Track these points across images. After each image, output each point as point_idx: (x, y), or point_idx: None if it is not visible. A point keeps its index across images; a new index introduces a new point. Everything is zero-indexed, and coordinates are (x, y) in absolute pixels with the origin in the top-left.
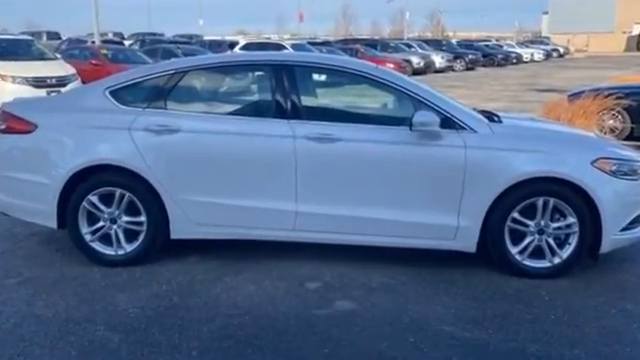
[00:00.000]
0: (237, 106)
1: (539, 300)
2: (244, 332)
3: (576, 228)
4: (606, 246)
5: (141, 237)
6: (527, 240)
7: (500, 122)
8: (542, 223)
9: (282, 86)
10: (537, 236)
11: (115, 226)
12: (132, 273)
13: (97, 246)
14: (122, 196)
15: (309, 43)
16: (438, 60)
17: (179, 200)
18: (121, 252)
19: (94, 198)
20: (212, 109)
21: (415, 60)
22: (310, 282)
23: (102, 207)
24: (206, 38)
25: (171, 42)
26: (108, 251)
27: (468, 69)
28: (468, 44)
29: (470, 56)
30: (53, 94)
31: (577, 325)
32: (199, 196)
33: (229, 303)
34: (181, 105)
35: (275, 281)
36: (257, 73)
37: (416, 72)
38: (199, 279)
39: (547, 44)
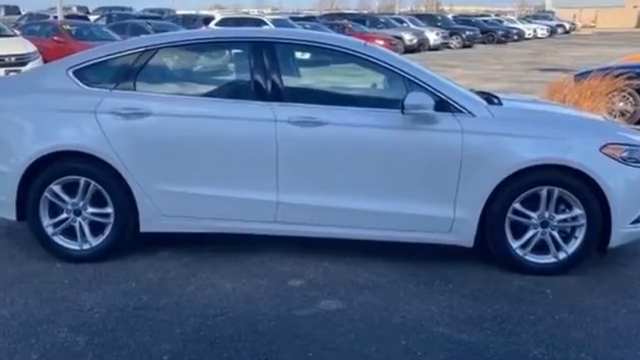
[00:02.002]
0: (213, 87)
1: (543, 299)
2: (220, 334)
3: (583, 220)
4: (616, 240)
5: (108, 230)
6: (530, 233)
7: (500, 104)
8: (546, 215)
9: (262, 65)
10: (541, 229)
11: (79, 218)
12: (98, 270)
13: (60, 240)
14: (87, 185)
15: (291, 18)
16: (432, 37)
17: (149, 190)
18: (86, 247)
19: (56, 188)
20: (185, 90)
21: (407, 37)
22: (292, 280)
23: (65, 197)
24: (179, 13)
25: (140, 17)
26: (72, 245)
27: (465, 47)
28: (465, 19)
29: (467, 32)
30: (12, 74)
31: (584, 327)
32: (171, 186)
33: (204, 303)
34: (151, 86)
35: (254, 279)
36: (234, 51)
37: (408, 50)
38: (171, 276)
39: (551, 19)
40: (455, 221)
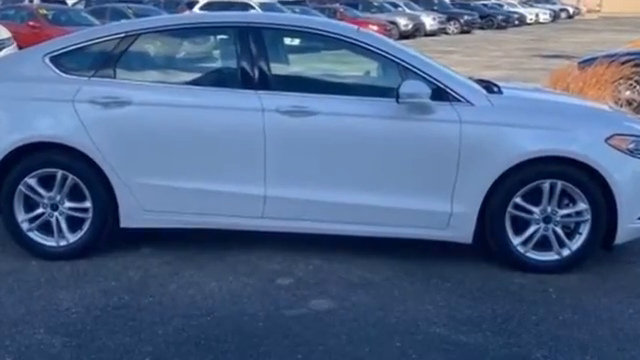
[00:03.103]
0: (197, 75)
1: (545, 298)
2: (205, 335)
3: (588, 215)
4: (622, 236)
5: (86, 226)
6: (531, 229)
7: (500, 93)
8: (549, 210)
9: (249, 52)
10: (543, 225)
11: (56, 213)
12: (76, 267)
13: (36, 236)
14: (64, 178)
15: (280, 2)
16: (429, 22)
17: (130, 183)
18: (63, 243)
19: (32, 181)
20: (168, 78)
21: (402, 22)
22: (281, 278)
23: (41, 191)
24: None
25: (121, 1)
26: (48, 242)
27: (463, 32)
28: (463, 3)
29: (466, 17)
30: None
31: (589, 327)
32: (153, 179)
33: (187, 302)
34: (132, 74)
35: (241, 277)
36: (220, 37)
37: (404, 35)
38: (153, 274)
39: (554, 3)
40: (453, 216)
